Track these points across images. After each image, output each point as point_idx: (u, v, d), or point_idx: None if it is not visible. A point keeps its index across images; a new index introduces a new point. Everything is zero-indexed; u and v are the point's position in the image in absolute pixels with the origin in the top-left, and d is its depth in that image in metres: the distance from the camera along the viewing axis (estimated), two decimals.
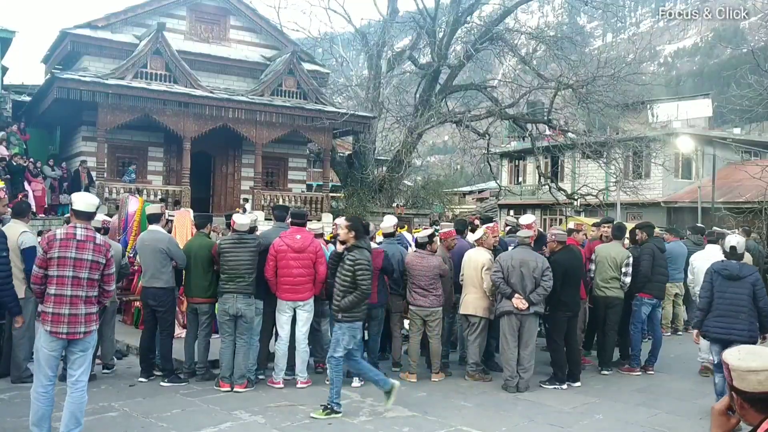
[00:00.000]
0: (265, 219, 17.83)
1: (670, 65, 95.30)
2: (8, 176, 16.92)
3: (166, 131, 19.92)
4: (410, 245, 9.45)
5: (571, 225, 9.01)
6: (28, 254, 6.41)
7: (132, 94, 18.31)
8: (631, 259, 8.07)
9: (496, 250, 7.87)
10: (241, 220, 6.98)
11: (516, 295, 6.99)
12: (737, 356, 2.11)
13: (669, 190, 29.35)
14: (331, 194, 23.26)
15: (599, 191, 23.47)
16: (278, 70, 21.36)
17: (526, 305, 6.97)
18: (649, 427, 5.96)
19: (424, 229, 9.05)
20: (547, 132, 24.11)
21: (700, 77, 77.39)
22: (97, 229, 7.15)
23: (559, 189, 24.18)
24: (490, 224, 8.54)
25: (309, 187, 26.14)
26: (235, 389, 6.75)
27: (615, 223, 8.84)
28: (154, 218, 7.32)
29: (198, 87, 19.66)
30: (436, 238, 7.90)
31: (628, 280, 8.03)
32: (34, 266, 4.81)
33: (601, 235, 8.74)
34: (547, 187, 24.94)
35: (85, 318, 4.82)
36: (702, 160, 29.53)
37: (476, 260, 7.46)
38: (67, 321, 4.73)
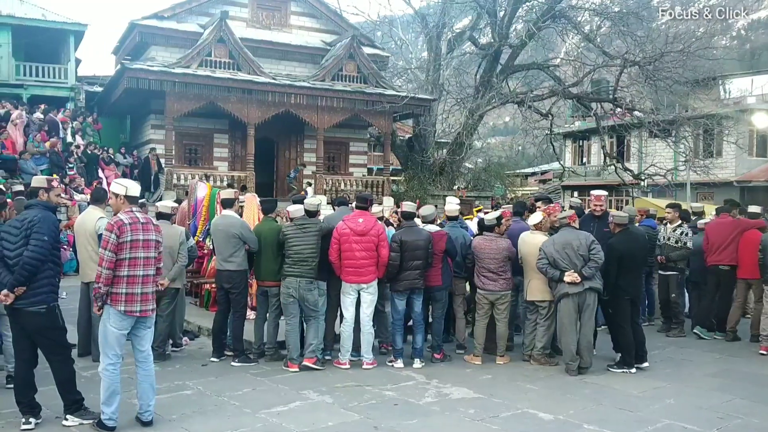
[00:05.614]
0: (327, 203, 18.05)
1: (743, 38, 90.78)
2: (83, 164, 17.71)
3: (230, 118, 20.36)
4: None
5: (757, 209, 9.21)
6: None
7: (198, 82, 18.76)
8: None
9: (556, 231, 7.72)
10: (292, 208, 7.19)
11: (566, 273, 6.87)
12: None
13: (742, 169, 28.11)
14: (392, 178, 23.34)
15: (667, 171, 22.70)
16: (338, 55, 21.46)
17: (579, 278, 6.84)
18: (723, 413, 5.78)
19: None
20: (617, 110, 23.36)
21: None
22: (168, 215, 7.51)
23: (626, 169, 23.53)
24: (551, 204, 8.39)
25: (370, 171, 26.27)
26: (304, 363, 6.92)
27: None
28: (227, 203, 7.54)
29: (261, 74, 19.97)
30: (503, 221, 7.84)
31: None
32: (108, 252, 4.92)
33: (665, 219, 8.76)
34: (612, 167, 24.29)
35: (152, 295, 5.17)
36: None
37: (532, 245, 7.30)
38: (140, 299, 5.03)
